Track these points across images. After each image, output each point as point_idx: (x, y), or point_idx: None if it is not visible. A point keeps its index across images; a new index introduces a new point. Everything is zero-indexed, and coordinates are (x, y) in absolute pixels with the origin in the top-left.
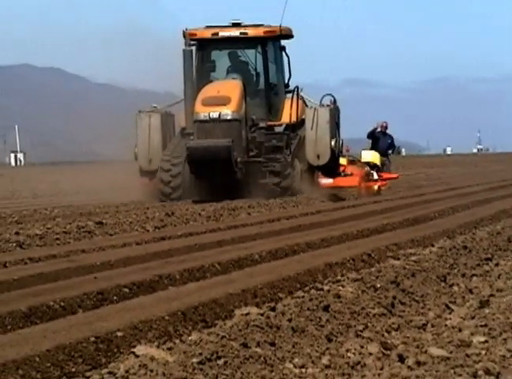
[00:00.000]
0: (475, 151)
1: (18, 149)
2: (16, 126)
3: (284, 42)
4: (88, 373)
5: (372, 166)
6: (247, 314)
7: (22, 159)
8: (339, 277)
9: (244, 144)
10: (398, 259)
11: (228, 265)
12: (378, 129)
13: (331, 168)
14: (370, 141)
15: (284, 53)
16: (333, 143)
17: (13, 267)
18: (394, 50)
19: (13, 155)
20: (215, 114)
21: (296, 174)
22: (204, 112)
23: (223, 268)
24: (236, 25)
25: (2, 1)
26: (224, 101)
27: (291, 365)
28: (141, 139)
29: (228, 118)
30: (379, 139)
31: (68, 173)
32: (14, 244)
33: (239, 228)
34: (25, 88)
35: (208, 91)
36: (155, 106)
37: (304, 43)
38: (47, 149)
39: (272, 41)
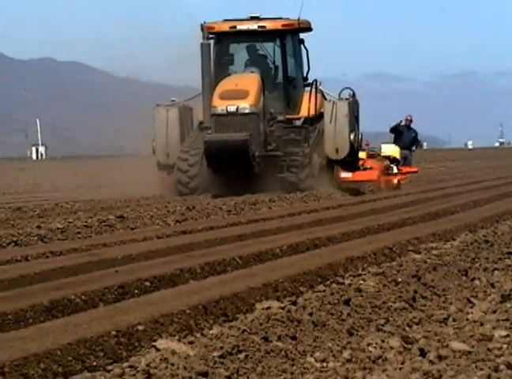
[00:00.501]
0: (497, 144)
1: (40, 143)
2: (38, 120)
3: (303, 35)
4: (109, 367)
5: (392, 160)
6: (268, 308)
7: (43, 152)
8: (360, 271)
9: (262, 138)
10: (419, 253)
11: (249, 259)
12: (403, 123)
13: (350, 162)
14: (392, 136)
15: (302, 46)
16: (352, 137)
17: (34, 260)
18: (417, 44)
19: (34, 149)
20: (232, 108)
21: (315, 168)
22: (221, 106)
23: (244, 261)
24: (254, 19)
25: None
26: (241, 95)
27: (312, 359)
28: (159, 133)
29: (246, 111)
30: (403, 133)
31: (89, 167)
32: (36, 238)
33: (259, 222)
34: (47, 82)
35: (226, 84)
36: (173, 100)
37: (326, 37)
38: (69, 143)
39: (291, 34)
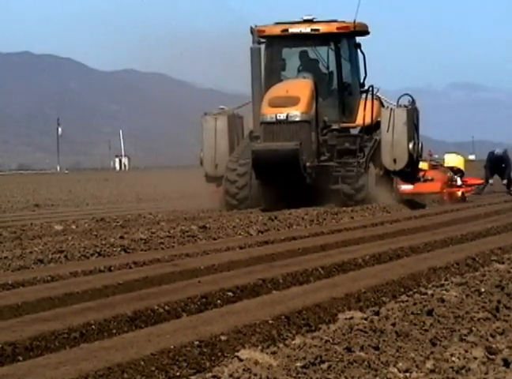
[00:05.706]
0: None
1: (123, 154)
2: (121, 131)
3: (360, 39)
4: (192, 377)
5: (456, 171)
6: (351, 318)
7: (127, 163)
8: (443, 281)
9: (314, 148)
10: (503, 263)
11: (332, 269)
12: None
13: (409, 173)
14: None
15: (359, 50)
16: (410, 146)
17: (117, 271)
18: (504, 53)
19: (117, 160)
20: (282, 116)
21: (371, 180)
22: (270, 113)
23: (326, 272)
24: (307, 21)
25: (108, 8)
26: (292, 101)
27: (395, 370)
28: (207, 143)
29: (297, 119)
30: None
31: (172, 177)
32: (119, 248)
33: (342, 232)
34: (130, 93)
35: (276, 91)
36: (222, 108)
37: (411, 46)
38: (152, 153)
39: (346, 38)
